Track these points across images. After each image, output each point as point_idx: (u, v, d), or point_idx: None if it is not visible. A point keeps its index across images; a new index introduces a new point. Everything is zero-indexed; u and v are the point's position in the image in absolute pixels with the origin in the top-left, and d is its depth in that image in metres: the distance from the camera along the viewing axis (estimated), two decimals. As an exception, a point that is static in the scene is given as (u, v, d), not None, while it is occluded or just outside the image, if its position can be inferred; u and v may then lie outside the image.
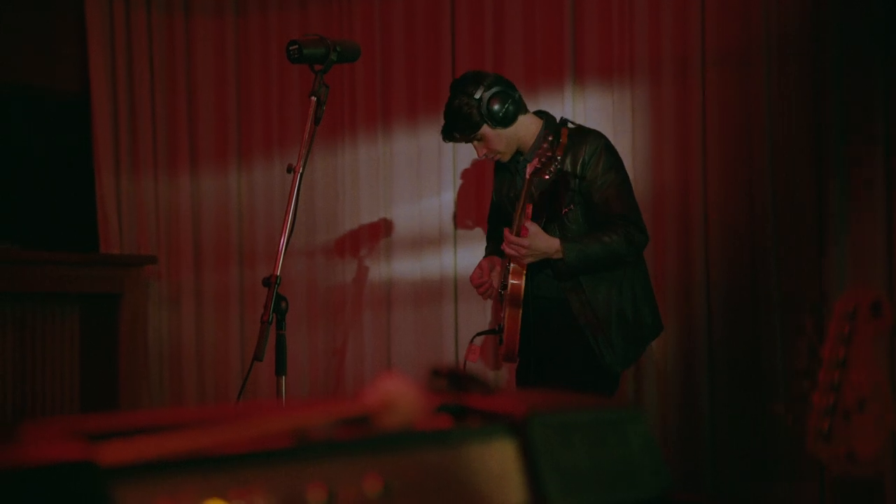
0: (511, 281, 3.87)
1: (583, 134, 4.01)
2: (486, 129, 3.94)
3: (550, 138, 3.64)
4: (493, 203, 4.41)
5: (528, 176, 3.73)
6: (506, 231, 3.82)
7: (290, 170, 3.33)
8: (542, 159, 3.66)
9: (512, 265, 3.88)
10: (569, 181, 3.85)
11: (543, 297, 3.98)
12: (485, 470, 1.04)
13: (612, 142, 4.83)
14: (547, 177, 3.68)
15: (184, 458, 0.83)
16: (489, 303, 4.87)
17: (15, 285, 4.73)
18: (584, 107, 4.94)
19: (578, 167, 3.90)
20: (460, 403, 1.12)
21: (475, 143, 4.03)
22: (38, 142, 5.62)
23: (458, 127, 3.96)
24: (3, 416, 4.80)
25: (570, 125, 3.98)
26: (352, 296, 5.49)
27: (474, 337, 4.26)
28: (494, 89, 3.92)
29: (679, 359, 4.67)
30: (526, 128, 4.04)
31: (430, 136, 5.25)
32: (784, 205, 4.48)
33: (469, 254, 5.08)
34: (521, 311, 3.91)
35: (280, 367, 3.26)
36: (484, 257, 4.33)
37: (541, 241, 3.80)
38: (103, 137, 5.49)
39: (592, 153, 3.91)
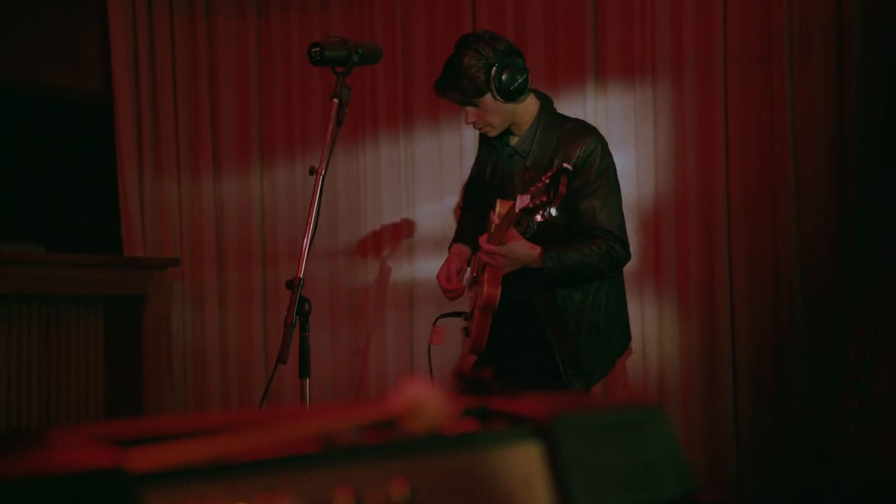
0: (487, 289, 3.71)
1: (581, 130, 3.84)
2: (488, 97, 3.73)
3: (547, 181, 3.29)
4: (472, 174, 4.25)
5: (517, 210, 3.41)
6: (482, 240, 3.65)
7: (312, 171, 3.33)
8: (537, 201, 3.32)
9: (488, 270, 3.73)
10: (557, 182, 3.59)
11: (515, 299, 3.78)
12: (510, 473, 1.04)
13: (634, 141, 4.84)
14: (539, 219, 3.38)
15: (212, 464, 0.84)
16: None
17: (39, 287, 4.76)
18: (605, 106, 4.94)
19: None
20: (485, 406, 1.12)
21: (469, 108, 3.80)
22: (61, 143, 5.65)
23: (460, 86, 3.71)
24: (27, 418, 4.82)
25: (569, 118, 3.90)
26: (374, 297, 5.50)
27: (437, 319, 4.14)
28: (509, 59, 3.72)
29: (702, 357, 4.66)
30: (525, 108, 3.85)
31: (451, 136, 5.26)
32: (808, 202, 4.46)
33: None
34: (491, 316, 3.80)
35: (304, 370, 3.26)
36: (454, 242, 4.19)
37: (521, 251, 3.61)
38: (126, 139, 5.51)
39: (588, 154, 3.73)
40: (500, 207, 3.75)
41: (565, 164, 3.29)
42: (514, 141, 3.91)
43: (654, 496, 1.14)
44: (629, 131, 4.89)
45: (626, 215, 4.82)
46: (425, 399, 1.01)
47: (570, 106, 4.97)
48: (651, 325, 4.79)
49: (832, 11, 4.40)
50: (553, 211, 3.28)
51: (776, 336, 4.52)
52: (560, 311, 3.77)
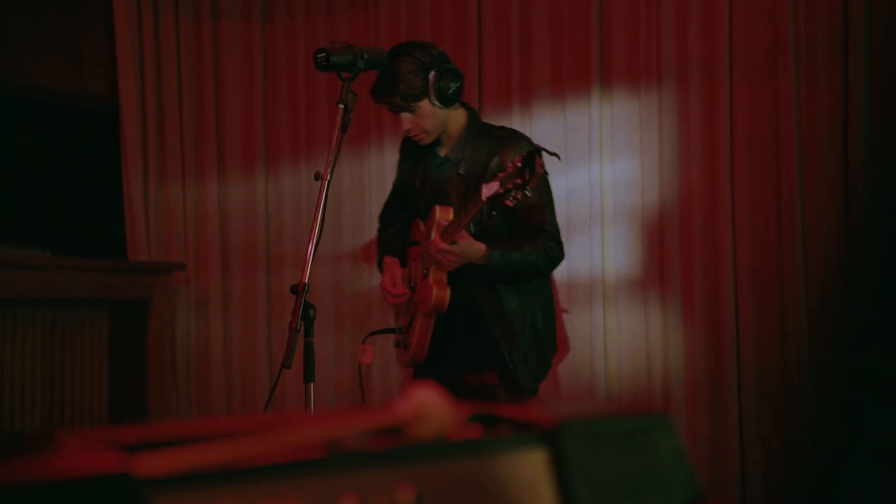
0: (436, 292, 3.72)
1: (514, 135, 3.89)
2: (425, 102, 3.76)
3: (519, 164, 3.28)
4: (396, 189, 4.23)
5: (483, 198, 3.37)
6: (437, 236, 3.65)
7: (317, 177, 3.33)
8: (508, 185, 3.30)
9: (433, 273, 3.74)
10: (468, 204, 3.58)
11: (457, 303, 3.78)
12: (516, 479, 1.04)
13: (639, 148, 4.84)
14: (511, 203, 3.35)
15: (218, 470, 0.84)
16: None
17: (44, 291, 4.76)
18: (610, 111, 4.94)
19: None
20: (491, 413, 1.13)
21: (405, 114, 3.79)
22: (66, 148, 5.66)
23: (399, 91, 3.72)
24: (32, 421, 4.83)
25: (496, 126, 3.93)
26: (378, 302, 5.50)
27: (366, 337, 4.10)
28: (445, 65, 3.77)
29: (707, 365, 4.66)
30: (456, 116, 3.89)
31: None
32: (812, 208, 4.45)
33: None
34: (434, 321, 3.81)
35: (308, 375, 3.25)
36: (384, 255, 4.15)
37: (470, 248, 3.65)
38: (132, 143, 5.51)
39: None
40: (441, 213, 3.76)
41: (541, 145, 3.32)
42: (442, 151, 3.93)
43: (660, 502, 1.14)
44: (634, 138, 4.88)
45: (630, 222, 4.84)
46: (431, 405, 1.01)
47: (576, 112, 4.98)
48: (655, 333, 4.78)
49: (838, 19, 4.40)
50: (528, 192, 3.29)
51: (781, 343, 4.51)
52: (504, 312, 3.79)
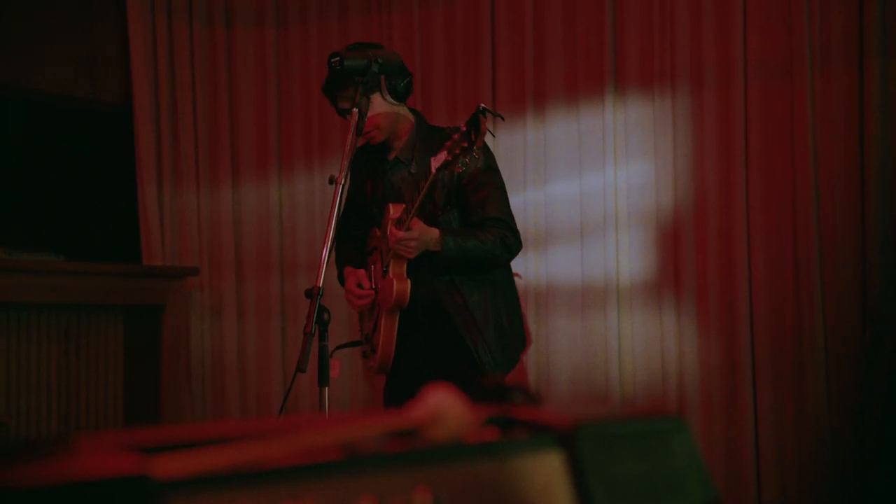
0: (397, 286, 3.69)
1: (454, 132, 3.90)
2: (377, 96, 3.72)
3: (464, 129, 3.27)
4: (348, 201, 4.11)
5: (433, 170, 3.38)
6: (392, 228, 3.61)
7: (331, 181, 3.34)
8: (456, 150, 3.30)
9: (392, 268, 3.72)
10: (446, 180, 3.65)
11: (417, 297, 3.76)
12: (532, 481, 1.04)
13: (653, 152, 4.84)
14: (460, 169, 3.38)
15: (236, 472, 0.84)
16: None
17: (60, 296, 4.79)
18: (624, 116, 4.93)
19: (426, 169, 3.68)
20: (507, 415, 1.12)
21: (356, 110, 3.64)
22: (81, 154, 5.68)
23: (353, 82, 3.62)
24: (48, 426, 4.84)
25: (443, 127, 3.84)
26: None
27: (333, 350, 3.96)
28: (395, 60, 3.72)
29: (722, 367, 4.65)
30: (405, 116, 3.87)
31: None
32: (827, 213, 4.45)
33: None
34: (398, 318, 3.78)
35: (323, 379, 3.26)
36: (343, 265, 4.09)
37: (426, 233, 3.62)
38: (146, 149, 5.53)
39: None
40: (394, 210, 3.73)
41: (481, 104, 3.29)
42: (392, 154, 3.91)
43: (676, 506, 1.14)
44: (648, 142, 4.88)
45: (645, 226, 4.84)
46: (447, 408, 1.01)
47: (590, 116, 4.98)
48: (670, 337, 4.77)
49: (854, 24, 4.39)
50: (475, 153, 3.29)
51: (796, 346, 4.50)
52: (466, 304, 3.77)
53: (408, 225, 3.57)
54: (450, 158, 3.32)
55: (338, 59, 3.41)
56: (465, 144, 3.27)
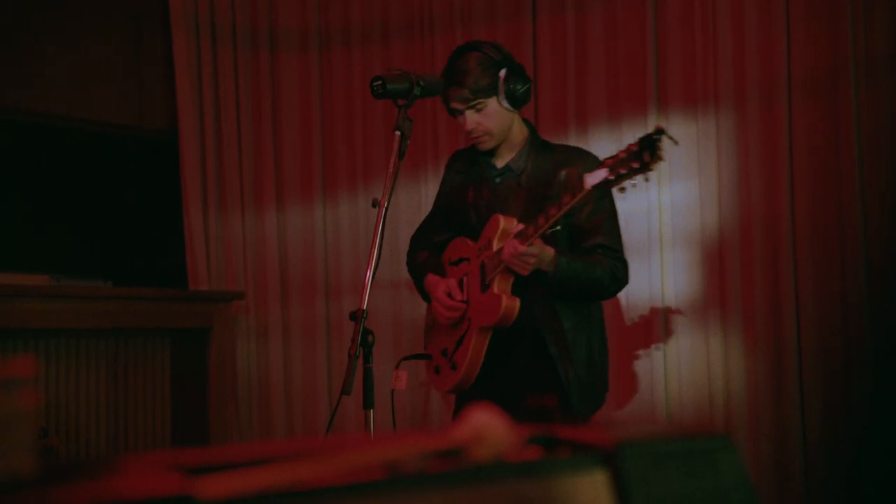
0: (506, 301, 3.49)
1: (581, 151, 3.78)
2: (493, 101, 3.61)
3: (634, 148, 3.03)
4: (436, 209, 4.06)
5: (586, 186, 3.15)
6: (514, 241, 3.39)
7: (375, 204, 3.33)
8: (621, 169, 3.06)
9: (497, 284, 3.53)
10: (562, 197, 3.31)
11: (518, 318, 3.55)
12: (576, 501, 1.04)
13: (697, 171, 4.82)
14: (621, 192, 3.12)
15: (279, 492, 0.84)
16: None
17: (107, 322, 4.83)
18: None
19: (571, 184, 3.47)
20: (550, 434, 1.12)
21: (469, 111, 3.63)
22: (128, 180, 5.74)
23: (467, 84, 3.57)
24: (97, 449, 4.88)
25: (556, 144, 3.81)
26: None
27: (400, 361, 3.89)
28: (515, 65, 3.60)
29: (770, 387, 4.60)
30: (519, 125, 3.75)
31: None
32: (874, 229, 4.40)
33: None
34: (489, 337, 3.60)
35: (368, 401, 3.26)
36: (424, 272, 3.92)
37: (544, 252, 3.45)
38: (191, 174, 5.58)
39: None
40: (505, 222, 3.57)
41: (661, 125, 3.06)
42: (500, 162, 3.78)
43: (723, 526, 1.13)
44: (692, 161, 4.86)
45: (689, 246, 4.81)
46: (490, 427, 1.01)
47: (632, 136, 4.92)
48: (717, 356, 4.73)
49: (897, 37, 4.36)
50: (646, 178, 3.05)
51: (845, 365, 4.45)
52: (563, 330, 3.59)
53: (530, 242, 3.39)
54: (611, 177, 3.10)
55: (380, 82, 3.41)
56: (635, 165, 3.04)
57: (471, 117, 3.65)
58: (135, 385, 5.04)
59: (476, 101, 3.61)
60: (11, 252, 5.11)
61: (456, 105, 3.66)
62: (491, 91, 3.60)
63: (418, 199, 5.60)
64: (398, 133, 3.38)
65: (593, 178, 3.15)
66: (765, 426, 4.60)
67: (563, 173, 3.59)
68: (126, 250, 5.65)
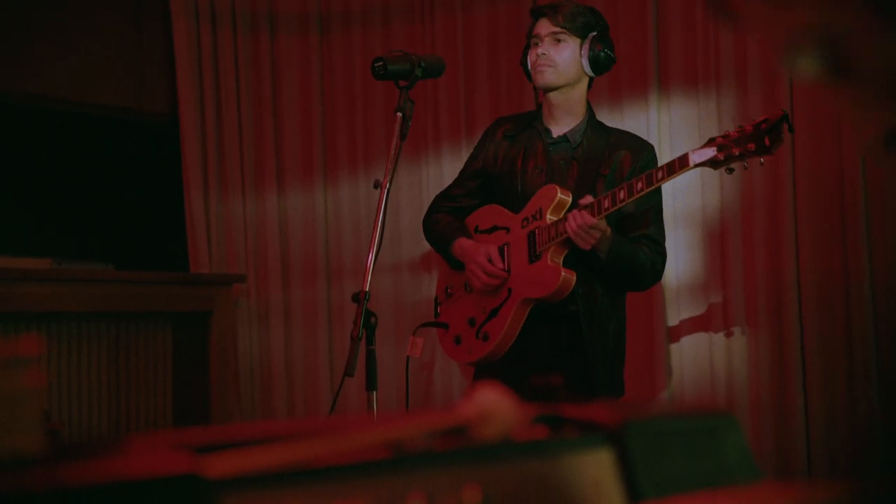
0: (564, 274, 3.44)
1: (638, 138, 3.80)
2: (578, 43, 3.62)
3: (749, 130, 3.01)
4: (469, 173, 3.97)
5: (691, 164, 3.18)
6: (584, 212, 3.35)
7: (376, 185, 3.33)
8: (734, 150, 3.04)
9: (551, 256, 3.47)
10: (654, 173, 3.34)
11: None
12: (582, 479, 1.04)
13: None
14: (728, 173, 3.18)
15: (286, 470, 0.84)
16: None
17: (109, 305, 4.83)
18: (668, 116, 4.90)
19: (629, 171, 3.59)
20: (556, 413, 1.12)
21: (548, 38, 3.61)
22: (128, 163, 5.74)
23: (564, 12, 3.59)
24: (99, 432, 4.89)
25: (611, 127, 3.80)
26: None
27: (416, 329, 3.89)
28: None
29: (771, 368, 4.60)
30: (583, 96, 3.75)
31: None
32: (877, 212, 4.39)
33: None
34: (529, 310, 3.55)
35: (371, 383, 3.26)
36: (455, 235, 3.85)
37: (608, 229, 3.43)
38: (192, 157, 5.58)
39: (648, 164, 3.62)
40: (562, 194, 3.54)
41: (785, 109, 3.01)
42: (557, 131, 3.77)
43: (728, 503, 1.13)
44: (693, 141, 4.83)
45: (691, 226, 4.81)
46: (496, 406, 1.01)
47: (634, 117, 4.94)
48: (718, 337, 4.73)
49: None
50: (762, 161, 3.03)
51: (847, 346, 4.45)
52: (599, 315, 3.57)
53: (602, 215, 3.37)
54: (719, 157, 3.10)
55: (381, 63, 3.41)
56: (751, 147, 3.03)
57: (548, 43, 3.65)
58: (136, 368, 5.04)
59: (560, 31, 3.62)
60: (13, 235, 5.11)
61: (539, 30, 3.68)
62: (578, 32, 3.62)
63: (419, 181, 5.59)
64: (399, 114, 3.38)
65: (699, 156, 3.16)
66: (766, 404, 4.60)
67: (621, 154, 3.62)
68: (127, 234, 5.64)
